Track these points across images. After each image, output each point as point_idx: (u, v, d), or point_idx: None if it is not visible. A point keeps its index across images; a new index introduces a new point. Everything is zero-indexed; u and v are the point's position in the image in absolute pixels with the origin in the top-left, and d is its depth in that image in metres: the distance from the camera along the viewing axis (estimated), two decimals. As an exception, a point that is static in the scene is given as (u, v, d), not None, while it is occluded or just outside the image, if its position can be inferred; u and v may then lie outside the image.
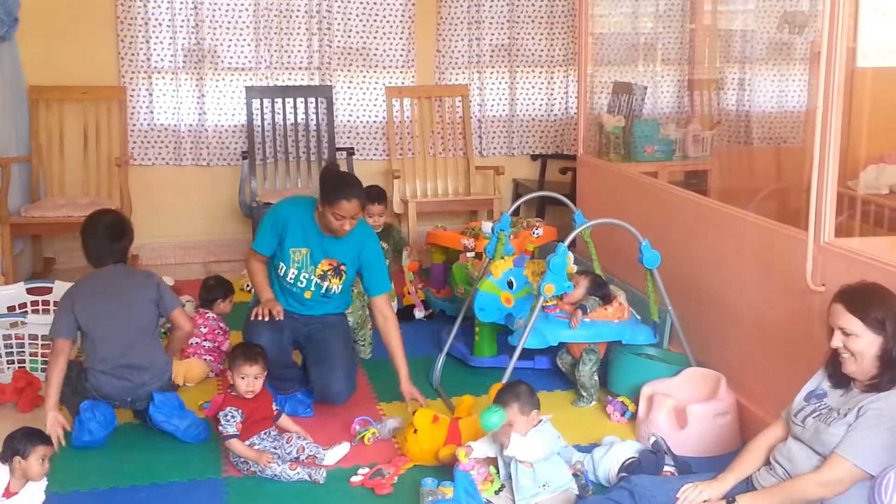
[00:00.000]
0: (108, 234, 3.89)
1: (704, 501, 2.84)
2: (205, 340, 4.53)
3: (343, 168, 6.48)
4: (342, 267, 4.02)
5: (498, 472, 3.29)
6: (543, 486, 3.16)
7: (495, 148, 7.12)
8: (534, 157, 7.13)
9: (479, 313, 4.28)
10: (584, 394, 4.11)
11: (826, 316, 2.83)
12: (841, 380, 2.82)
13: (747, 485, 2.93)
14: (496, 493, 3.22)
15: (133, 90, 6.43)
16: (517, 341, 4.01)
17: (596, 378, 4.12)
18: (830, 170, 3.26)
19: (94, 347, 3.73)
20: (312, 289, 4.02)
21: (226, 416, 3.46)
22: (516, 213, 4.77)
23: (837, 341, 2.71)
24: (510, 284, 4.33)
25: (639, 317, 4.23)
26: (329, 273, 4.01)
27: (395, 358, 3.97)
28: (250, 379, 3.49)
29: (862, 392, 2.74)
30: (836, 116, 3.23)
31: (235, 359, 3.51)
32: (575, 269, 4.32)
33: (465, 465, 3.24)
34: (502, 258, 4.35)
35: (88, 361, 3.73)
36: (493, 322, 4.38)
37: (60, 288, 4.81)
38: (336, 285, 4.02)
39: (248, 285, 5.88)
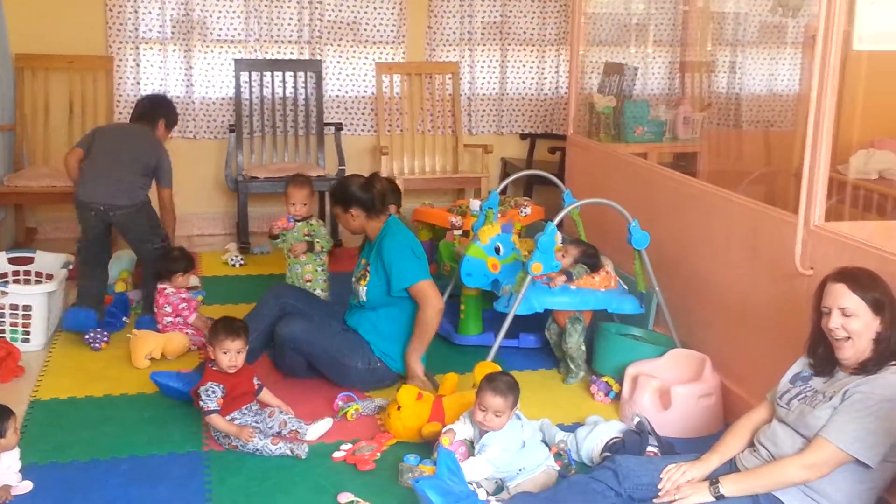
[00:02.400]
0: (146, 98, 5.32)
1: (688, 482, 2.84)
2: (177, 317, 4.50)
3: (331, 144, 6.45)
4: (367, 268, 4.02)
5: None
6: (520, 469, 3.16)
7: (484, 126, 7.08)
8: (523, 136, 7.10)
9: (465, 278, 4.23)
10: (573, 366, 4.09)
11: (814, 300, 2.82)
12: (824, 368, 2.81)
13: (730, 466, 2.93)
14: (479, 472, 3.21)
15: (120, 60, 6.35)
16: (503, 307, 3.98)
17: (583, 348, 4.10)
18: (823, 154, 3.24)
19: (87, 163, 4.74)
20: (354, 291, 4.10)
21: (206, 391, 3.42)
22: (504, 191, 4.73)
23: (836, 322, 2.70)
24: (497, 250, 4.27)
25: (625, 287, 4.21)
26: (361, 276, 4.04)
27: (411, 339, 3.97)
28: (232, 354, 3.45)
29: (849, 375, 2.73)
30: (830, 100, 3.21)
31: (217, 333, 3.47)
32: (561, 238, 4.29)
33: (454, 447, 3.22)
34: (490, 224, 4.30)
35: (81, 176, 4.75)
36: (480, 287, 4.32)
37: (42, 258, 4.78)
38: (362, 287, 4.00)
39: (231, 260, 5.85)
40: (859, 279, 2.72)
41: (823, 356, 2.82)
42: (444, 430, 3.31)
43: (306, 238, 4.71)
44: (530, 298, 3.99)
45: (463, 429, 3.30)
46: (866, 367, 2.70)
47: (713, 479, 2.81)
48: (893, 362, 2.70)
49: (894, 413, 2.62)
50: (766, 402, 3.00)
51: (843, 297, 2.70)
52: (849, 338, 2.70)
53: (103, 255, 4.79)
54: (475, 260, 4.22)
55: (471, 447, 3.28)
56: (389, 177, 5.67)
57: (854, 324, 2.69)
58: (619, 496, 2.86)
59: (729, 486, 2.77)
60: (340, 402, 3.79)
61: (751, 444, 2.94)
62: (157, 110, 5.07)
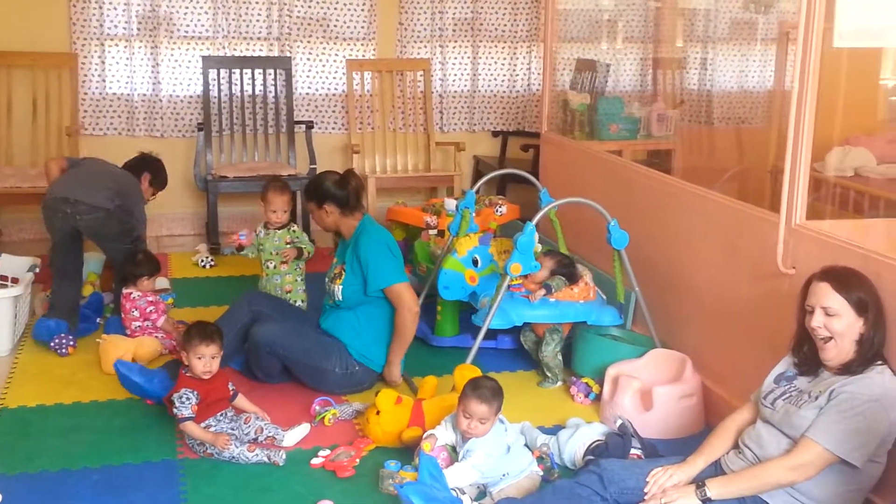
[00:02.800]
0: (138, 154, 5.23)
1: (674, 486, 2.81)
2: (145, 321, 4.39)
3: (302, 142, 6.37)
4: (343, 267, 3.96)
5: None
6: (504, 474, 3.12)
7: (456, 124, 7.02)
8: (494, 134, 7.05)
9: (442, 291, 4.20)
10: (549, 374, 4.05)
11: (799, 298, 2.80)
12: (809, 367, 2.80)
13: (716, 468, 2.90)
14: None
15: (85, 57, 6.22)
16: (481, 321, 3.94)
17: (560, 358, 4.06)
18: (804, 152, 3.22)
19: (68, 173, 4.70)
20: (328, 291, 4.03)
21: (180, 398, 3.33)
22: (478, 190, 4.68)
23: (819, 321, 2.68)
24: (475, 262, 4.25)
25: (604, 297, 4.18)
26: (336, 275, 3.98)
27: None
28: (207, 359, 3.37)
29: (834, 375, 2.71)
30: (811, 97, 3.18)
31: (191, 339, 3.38)
32: (541, 248, 4.26)
33: (434, 453, 3.16)
34: (467, 235, 4.26)
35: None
36: (457, 300, 4.30)
37: (7, 261, 4.66)
38: (337, 287, 3.94)
39: (201, 261, 5.75)
40: (844, 279, 2.71)
41: (808, 355, 2.80)
42: (425, 435, 3.25)
43: (289, 245, 4.49)
44: (508, 312, 3.95)
45: (445, 434, 3.24)
46: (850, 368, 2.68)
47: (699, 483, 2.78)
48: (879, 362, 2.68)
49: (881, 413, 2.60)
50: (751, 402, 2.97)
51: (827, 297, 2.68)
52: (831, 338, 2.68)
53: (75, 262, 4.65)
54: (452, 273, 4.18)
55: (452, 452, 3.23)
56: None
57: (836, 324, 2.67)
58: (605, 501, 2.82)
59: (716, 490, 2.74)
60: (318, 407, 3.72)
61: (736, 446, 2.91)
62: (144, 165, 5.07)
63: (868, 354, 2.67)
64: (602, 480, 2.84)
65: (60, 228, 4.50)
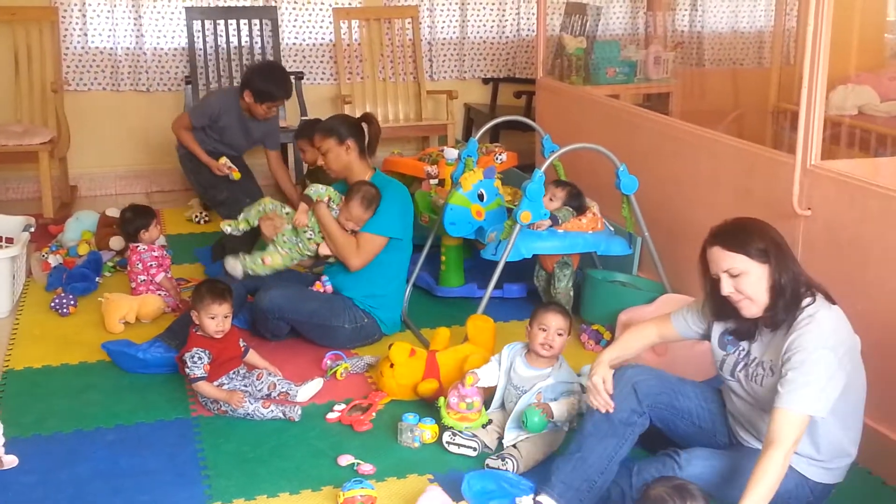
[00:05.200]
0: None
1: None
2: (149, 275, 4.29)
3: (292, 94, 6.25)
4: None
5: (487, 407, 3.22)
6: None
7: (446, 72, 6.92)
8: (485, 81, 6.96)
9: (449, 228, 4.09)
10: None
11: (702, 266, 2.66)
12: (744, 330, 2.67)
13: (730, 441, 2.81)
14: (483, 426, 3.14)
15: (65, 11, 6.07)
16: (489, 255, 3.89)
17: (572, 293, 4.03)
18: (819, 91, 3.18)
19: None
20: None
21: (192, 357, 3.28)
22: (467, 138, 4.61)
23: (728, 286, 2.55)
24: (481, 197, 4.14)
25: (612, 228, 4.14)
26: None
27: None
28: (220, 318, 3.31)
29: (772, 333, 2.60)
30: (825, 36, 3.13)
31: (202, 298, 3.32)
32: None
33: (469, 391, 3.14)
34: (472, 171, 4.19)
35: None
36: (464, 236, 4.19)
37: (1, 221, 4.57)
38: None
39: (195, 216, 5.67)
40: (731, 235, 2.57)
41: (736, 320, 2.67)
42: (468, 372, 3.20)
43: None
44: (517, 244, 3.88)
45: (487, 375, 3.21)
46: (777, 317, 2.55)
47: None
48: (807, 301, 2.54)
49: (832, 359, 2.46)
50: (669, 319, 2.91)
51: (723, 259, 2.55)
52: (746, 298, 2.56)
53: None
54: (458, 208, 4.09)
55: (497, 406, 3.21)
56: None
57: (744, 282, 2.53)
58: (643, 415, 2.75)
59: None
60: (329, 362, 3.68)
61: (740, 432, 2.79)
62: (245, 80, 5.00)
63: (788, 297, 2.53)
64: (637, 394, 2.75)
65: None
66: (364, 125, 4.08)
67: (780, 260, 2.55)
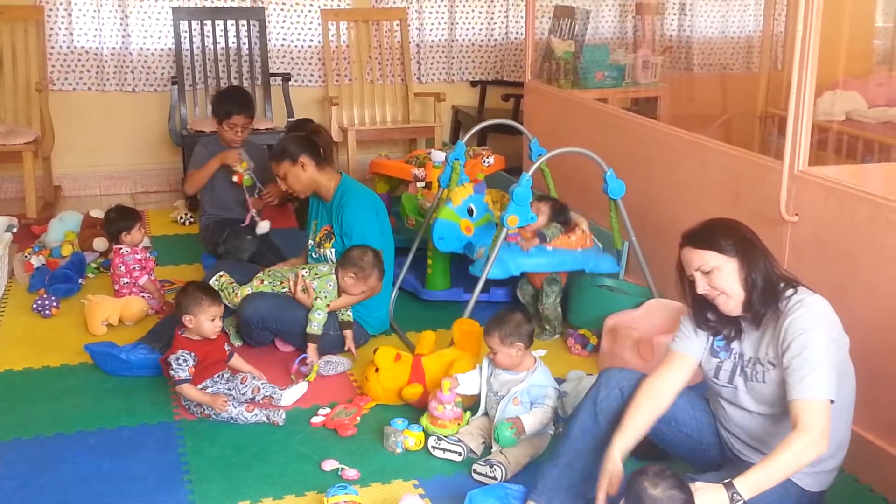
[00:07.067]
0: None
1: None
2: (132, 278, 4.26)
3: (279, 95, 6.23)
4: (330, 230, 3.90)
5: (473, 411, 3.21)
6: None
7: (434, 74, 6.91)
8: (473, 84, 6.94)
9: (438, 242, 4.10)
10: (548, 326, 4.01)
11: (677, 274, 2.66)
12: (728, 329, 2.66)
13: (725, 456, 2.77)
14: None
15: (51, 10, 6.03)
16: (478, 271, 3.87)
17: (559, 310, 4.02)
18: (807, 96, 3.17)
19: None
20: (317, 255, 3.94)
21: (177, 359, 3.25)
22: (455, 142, 4.60)
23: (703, 285, 2.56)
24: (470, 212, 4.14)
25: (600, 245, 4.13)
26: (324, 238, 3.91)
27: None
28: (218, 319, 3.31)
29: (757, 329, 2.60)
30: (814, 41, 3.12)
31: (198, 301, 3.29)
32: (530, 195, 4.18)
33: (447, 396, 3.13)
34: (462, 185, 4.18)
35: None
36: (452, 252, 4.21)
37: (-17, 222, 4.53)
38: (329, 250, 3.87)
39: (180, 218, 5.64)
40: (697, 234, 2.59)
41: (717, 320, 2.66)
42: (446, 378, 3.19)
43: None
44: (506, 261, 3.88)
45: (467, 382, 3.19)
46: (755, 309, 2.55)
47: (728, 482, 2.45)
48: (789, 292, 2.54)
49: (827, 340, 2.46)
50: (675, 355, 2.73)
51: (693, 259, 2.57)
52: (721, 293, 2.56)
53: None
54: (448, 223, 4.08)
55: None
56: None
57: (716, 278, 2.54)
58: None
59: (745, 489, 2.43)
60: (304, 369, 3.64)
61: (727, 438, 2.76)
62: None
63: (761, 288, 2.53)
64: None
65: None
66: (314, 137, 4.00)
67: (749, 253, 2.55)
